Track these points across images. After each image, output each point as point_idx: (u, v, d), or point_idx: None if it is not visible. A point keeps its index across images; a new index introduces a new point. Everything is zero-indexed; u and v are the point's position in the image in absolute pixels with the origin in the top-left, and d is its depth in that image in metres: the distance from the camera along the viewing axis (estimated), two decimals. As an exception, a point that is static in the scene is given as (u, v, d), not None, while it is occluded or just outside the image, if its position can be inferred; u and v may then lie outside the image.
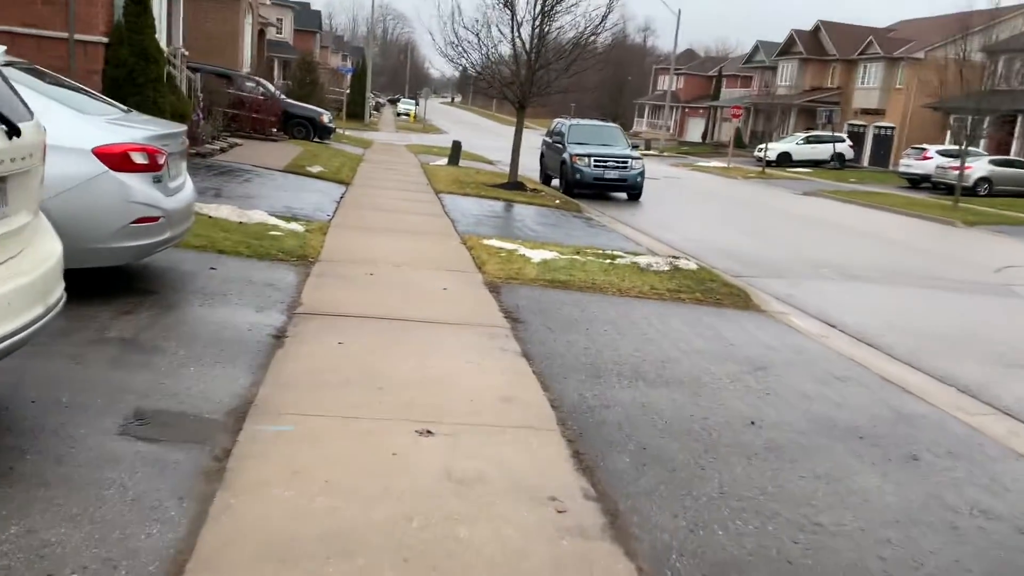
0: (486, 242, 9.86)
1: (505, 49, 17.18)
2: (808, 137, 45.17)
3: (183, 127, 6.29)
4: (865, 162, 46.38)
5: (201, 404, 4.04)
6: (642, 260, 9.42)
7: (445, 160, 23.68)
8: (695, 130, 72.28)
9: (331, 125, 24.73)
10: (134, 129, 5.55)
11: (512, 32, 16.58)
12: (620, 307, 7.32)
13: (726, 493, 3.72)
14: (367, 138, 35.06)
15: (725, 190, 27.32)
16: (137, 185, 5.35)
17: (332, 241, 8.96)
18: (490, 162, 28.68)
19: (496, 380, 4.92)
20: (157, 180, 5.54)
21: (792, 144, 43.91)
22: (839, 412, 5.12)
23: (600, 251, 10.07)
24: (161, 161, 5.52)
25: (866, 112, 47.02)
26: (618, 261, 9.34)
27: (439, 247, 9.58)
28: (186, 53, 20.18)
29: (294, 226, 9.34)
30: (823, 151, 43.91)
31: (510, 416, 4.35)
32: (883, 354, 7.12)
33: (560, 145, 20.10)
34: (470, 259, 8.87)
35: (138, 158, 5.34)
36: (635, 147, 20.64)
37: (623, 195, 19.77)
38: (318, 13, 71.73)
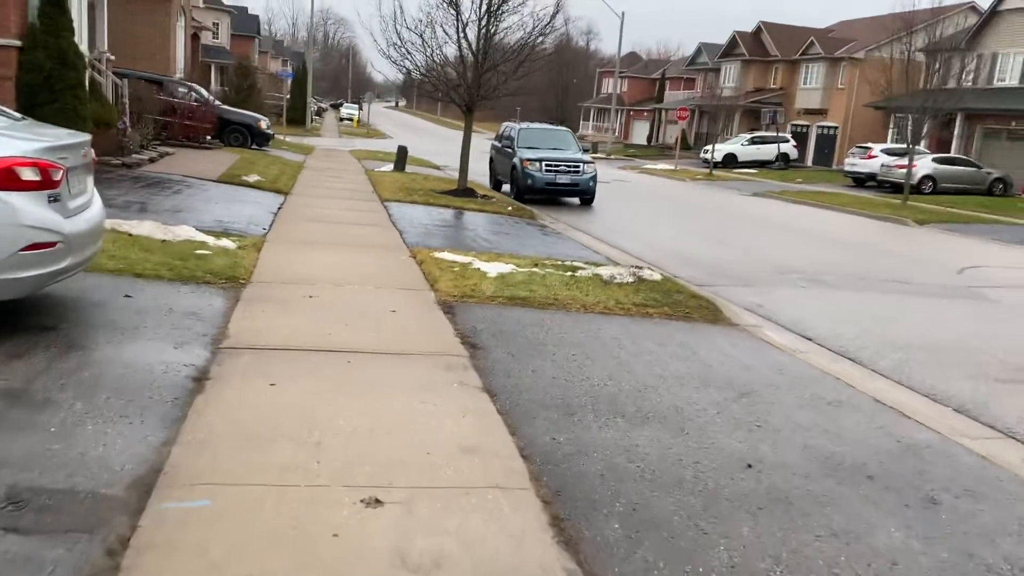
0: (438, 255, 9.18)
1: (451, 51, 16.54)
2: (753, 138, 45.38)
3: (86, 137, 5.49)
4: (809, 161, 46.82)
5: (97, 475, 3.29)
6: (604, 271, 8.84)
7: (391, 166, 22.90)
8: (640, 133, 72.46)
9: (269, 131, 23.73)
10: (23, 141, 4.75)
11: (457, 33, 15.93)
12: (587, 326, 6.71)
13: (737, 567, 3.12)
14: (308, 144, 34.00)
15: (675, 193, 27.04)
16: (27, 206, 4.55)
17: (267, 259, 8.18)
18: (437, 167, 27.95)
19: (456, 425, 4.26)
20: (54, 199, 4.74)
21: (737, 145, 44.05)
22: (839, 446, 4.58)
23: (559, 262, 9.46)
24: (57, 177, 4.73)
25: (809, 112, 47.48)
26: (579, 273, 8.74)
27: (386, 262, 8.86)
28: (111, 58, 19.05)
29: (225, 243, 8.53)
30: (768, 152, 44.15)
31: (474, 472, 3.69)
32: (867, 370, 6.65)
33: (510, 150, 19.49)
34: (421, 275, 8.18)
35: (27, 174, 4.54)
36: (586, 151, 20.12)
37: (575, 200, 19.25)
38: (256, 18, 70.08)
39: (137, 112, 19.01)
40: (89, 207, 5.33)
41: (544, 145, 19.41)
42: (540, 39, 15.60)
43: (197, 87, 22.55)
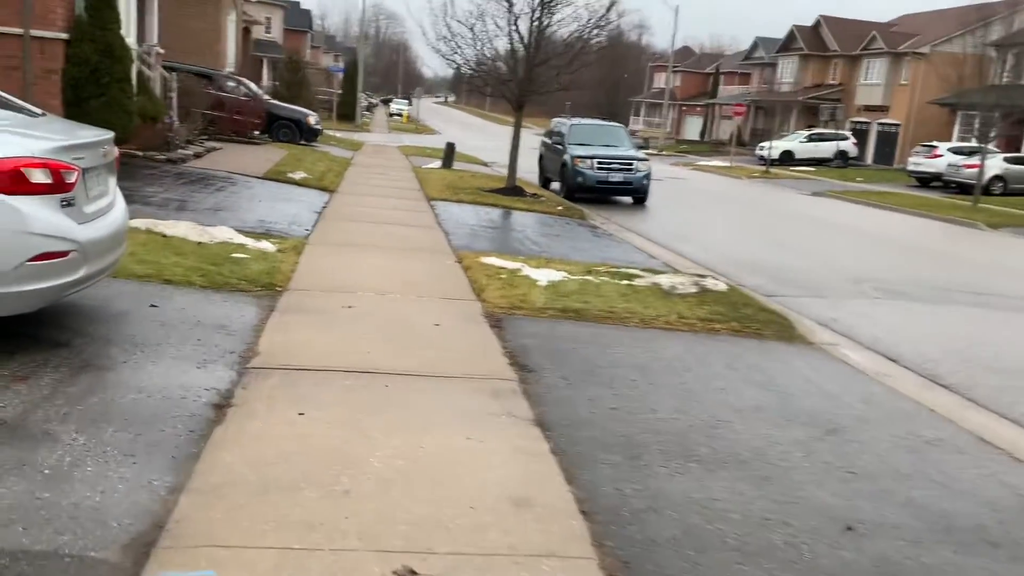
0: (484, 260, 8.65)
1: (501, 44, 16.00)
2: (811, 135, 44.07)
3: (107, 134, 5.06)
4: (869, 160, 45.27)
5: (88, 532, 2.83)
6: (664, 280, 8.22)
7: (438, 163, 22.47)
8: (692, 128, 71.16)
9: (318, 127, 23.49)
10: (34, 139, 4.33)
11: (508, 25, 15.39)
12: (647, 344, 6.12)
13: (854, 678, 2.52)
14: (358, 140, 33.82)
15: (732, 191, 26.15)
16: (37, 212, 4.13)
17: (307, 263, 7.74)
18: (485, 164, 27.48)
19: (505, 468, 3.72)
20: (67, 204, 4.32)
21: (795, 142, 42.80)
22: (950, 500, 3.93)
23: (614, 269, 8.86)
24: (71, 179, 4.31)
25: (869, 109, 45.91)
26: (637, 282, 8.14)
27: (431, 267, 8.36)
28: (161, 51, 18.93)
29: (264, 245, 8.12)
30: (826, 149, 42.80)
31: (526, 533, 3.15)
32: (963, 399, 5.94)
33: (560, 146, 18.90)
34: (467, 282, 7.66)
35: (37, 176, 4.12)
36: (640, 147, 19.41)
37: (627, 199, 18.59)
38: (308, 12, 70.46)
39: (186, 106, 18.86)
40: (110, 211, 4.91)
41: (596, 142, 18.78)
42: (595, 32, 14.97)
43: (246, 81, 22.40)
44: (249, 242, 8.15)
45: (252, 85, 22.26)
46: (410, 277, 7.70)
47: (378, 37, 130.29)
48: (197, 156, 15.24)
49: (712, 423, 4.61)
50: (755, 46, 59.15)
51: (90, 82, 13.24)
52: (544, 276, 7.99)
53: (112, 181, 5.09)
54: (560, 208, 15.02)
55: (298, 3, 66.86)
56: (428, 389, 4.65)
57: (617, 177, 17.72)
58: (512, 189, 16.12)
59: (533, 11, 15.26)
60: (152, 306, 5.56)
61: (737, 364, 5.87)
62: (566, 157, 18.23)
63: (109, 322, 5.11)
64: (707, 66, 74.28)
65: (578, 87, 16.77)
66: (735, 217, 18.34)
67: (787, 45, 51.96)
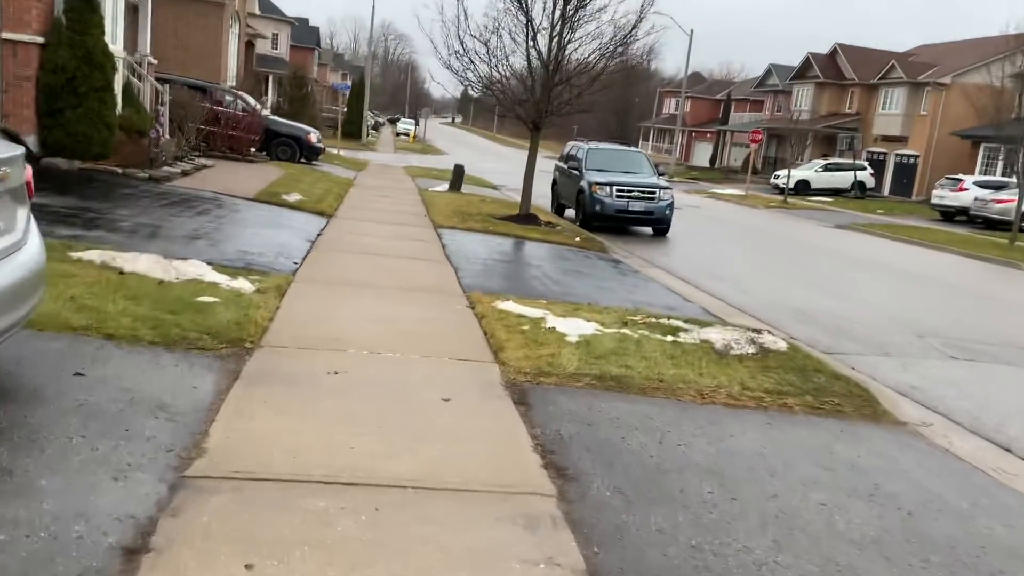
0: (501, 304, 7.37)
1: (518, 61, 14.82)
2: (827, 164, 42.93)
3: (16, 150, 3.80)
4: (885, 191, 44.08)
5: None
6: (714, 336, 6.92)
7: (446, 185, 21.29)
8: (702, 154, 70.16)
9: (320, 145, 22.33)
10: None
11: (527, 41, 14.21)
12: (714, 430, 4.82)
13: None
14: (362, 159, 32.73)
15: (752, 222, 24.92)
16: None
17: (290, 309, 6.46)
18: (493, 187, 26.32)
19: None
20: (-66, 246, 3.05)
21: (811, 172, 41.63)
22: None
23: (652, 318, 7.56)
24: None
25: (887, 139, 44.79)
26: (683, 337, 6.85)
27: (439, 313, 7.08)
28: (153, 61, 17.81)
29: (241, 284, 6.85)
30: (843, 179, 41.65)
31: None
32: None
33: (577, 172, 17.68)
34: (481, 336, 6.37)
35: None
36: (662, 174, 18.21)
37: (647, 229, 17.35)
38: (316, 30, 69.64)
39: (178, 120, 17.72)
40: (14, 252, 3.64)
41: (614, 168, 17.57)
42: (620, 49, 13.78)
43: (244, 95, 21.27)
44: (223, 280, 6.88)
45: (250, 99, 21.12)
46: (413, 327, 6.41)
47: (386, 56, 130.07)
48: (185, 174, 14.03)
49: (825, 563, 3.30)
50: (768, 73, 58.20)
51: (66, 91, 12.09)
52: (573, 328, 6.71)
53: (20, 214, 3.82)
54: (578, 239, 13.76)
55: (306, 20, 66.12)
56: (435, 514, 3.34)
57: (638, 206, 16.48)
58: (526, 217, 14.88)
59: (553, 26, 14.09)
60: (77, 374, 4.27)
61: (831, 462, 4.56)
62: (583, 183, 17.01)
63: (6, 402, 3.82)
64: (717, 93, 73.45)
65: (585, 109, 15.48)
66: (763, 251, 17.08)
67: (802, 72, 50.96)
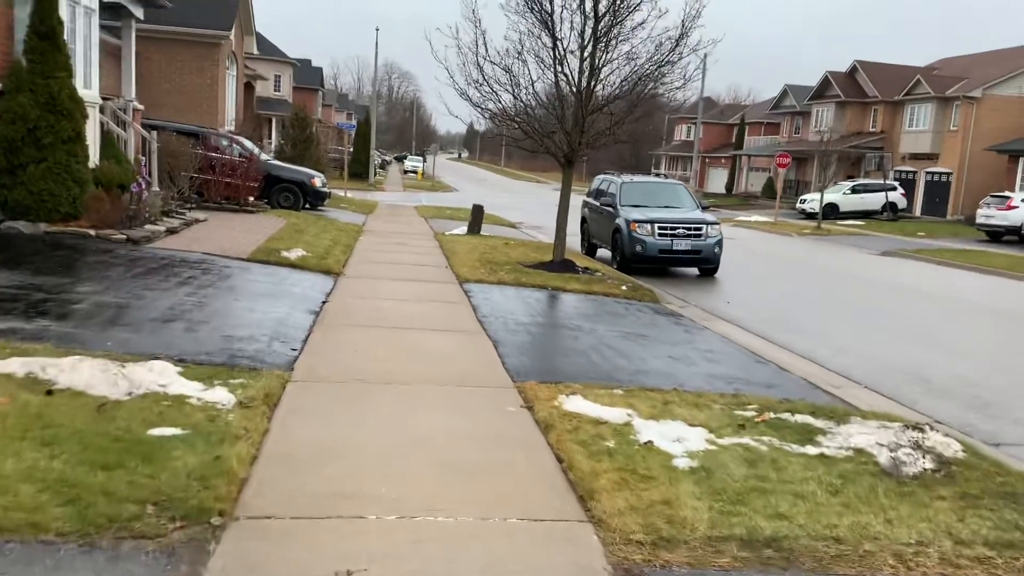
0: (567, 403, 5.50)
1: (544, 88, 13.08)
2: (855, 186, 41.09)
3: None
4: (917, 211, 42.11)
5: None
6: (866, 441, 5.04)
7: (463, 227, 19.52)
8: (716, 180, 68.47)
9: (325, 190, 20.64)
10: None
11: (554, 65, 12.48)
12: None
13: None
14: (371, 200, 31.09)
15: (792, 252, 23.02)
16: None
17: (283, 435, 4.62)
18: (512, 225, 24.58)
19: None
20: None
21: (839, 194, 39.76)
22: None
23: (770, 412, 5.66)
24: None
25: (916, 157, 42.89)
26: (828, 447, 4.96)
27: (487, 423, 5.21)
28: (140, 107, 16.22)
29: (218, 395, 5.02)
30: (873, 201, 39.77)
31: None
32: None
33: (611, 208, 15.88)
34: (555, 466, 4.49)
35: None
36: (705, 207, 16.38)
37: (692, 269, 15.51)
38: (320, 70, 68.67)
39: (169, 170, 16.07)
40: None
41: (653, 202, 15.78)
42: (664, 69, 12.00)
43: (241, 140, 19.63)
44: (194, 391, 5.05)
45: (248, 143, 19.47)
46: (457, 454, 4.54)
47: (391, 95, 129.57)
48: (171, 232, 12.28)
49: None
50: (784, 94, 56.59)
51: (28, 143, 10.44)
52: (675, 439, 4.84)
53: None
54: (624, 288, 11.89)
55: (309, 61, 65.15)
56: None
57: (683, 245, 14.63)
58: (561, 264, 13.04)
59: (584, 47, 12.36)
60: None
61: None
62: (619, 221, 15.19)
63: None
64: (730, 117, 71.98)
65: (631, 140, 13.78)
66: (825, 290, 15.16)
67: (821, 92, 49.26)
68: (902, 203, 40.43)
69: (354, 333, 7.48)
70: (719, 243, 14.90)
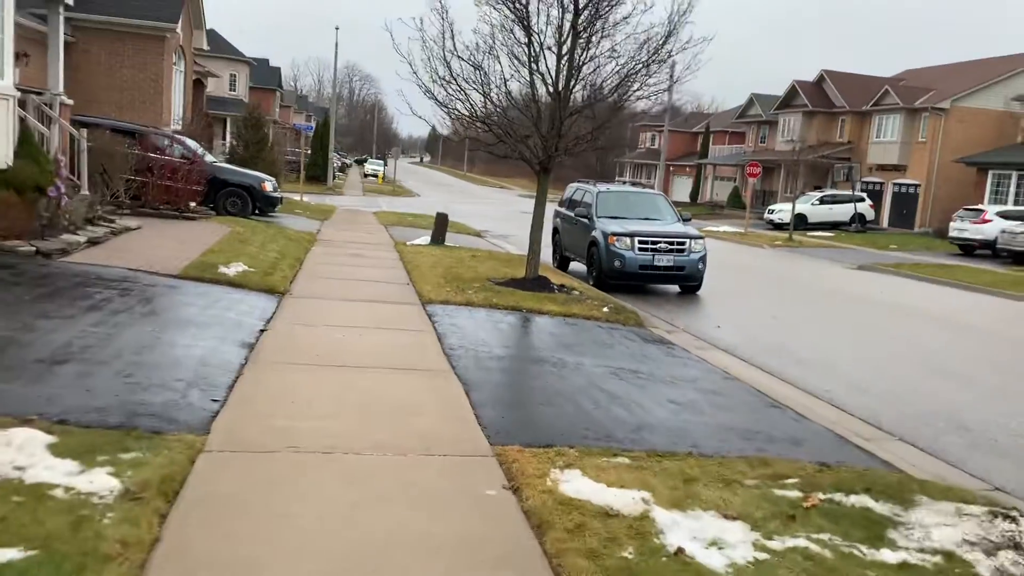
0: (564, 483, 4.27)
1: (518, 88, 11.86)
2: (823, 197, 40.58)
3: None
4: (884, 223, 41.75)
5: None
6: (951, 539, 3.89)
7: (426, 236, 18.22)
8: (681, 189, 67.89)
9: (276, 195, 19.15)
10: None
11: (529, 63, 11.26)
12: None
13: None
14: (328, 205, 29.63)
15: (769, 267, 22.10)
16: None
17: (174, 554, 3.31)
18: (477, 234, 23.34)
19: None
20: None
21: (807, 205, 39.18)
22: None
23: (817, 492, 4.48)
24: None
25: (883, 168, 42.56)
26: (907, 549, 3.80)
27: (456, 522, 3.93)
28: (68, 102, 14.64)
29: (96, 482, 3.70)
30: (842, 212, 39.31)
31: None
32: None
33: (586, 219, 14.71)
34: (557, 593, 3.25)
35: None
36: (687, 220, 15.30)
37: (672, 286, 14.41)
38: (278, 70, 66.67)
39: (102, 172, 14.53)
40: None
41: (631, 214, 14.65)
42: (651, 69, 10.85)
43: (185, 140, 18.09)
44: (63, 474, 3.73)
45: (191, 143, 17.93)
46: None
47: (352, 97, 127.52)
48: (93, 243, 10.80)
49: None
50: (750, 103, 56.18)
51: (-83, 139, 8.86)
52: (713, 546, 3.66)
53: None
54: (606, 310, 10.70)
55: (267, 61, 63.22)
56: None
57: (665, 260, 13.50)
58: (535, 281, 11.82)
59: (561, 43, 11.18)
60: None
61: None
62: (596, 234, 14.02)
63: None
64: (694, 125, 71.54)
65: (611, 146, 12.64)
66: (816, 310, 14.14)
67: (788, 101, 48.83)
68: (871, 215, 40.04)
69: (293, 375, 6.15)
70: (703, 259, 13.80)
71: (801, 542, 3.78)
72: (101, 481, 3.75)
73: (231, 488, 3.95)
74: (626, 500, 4.07)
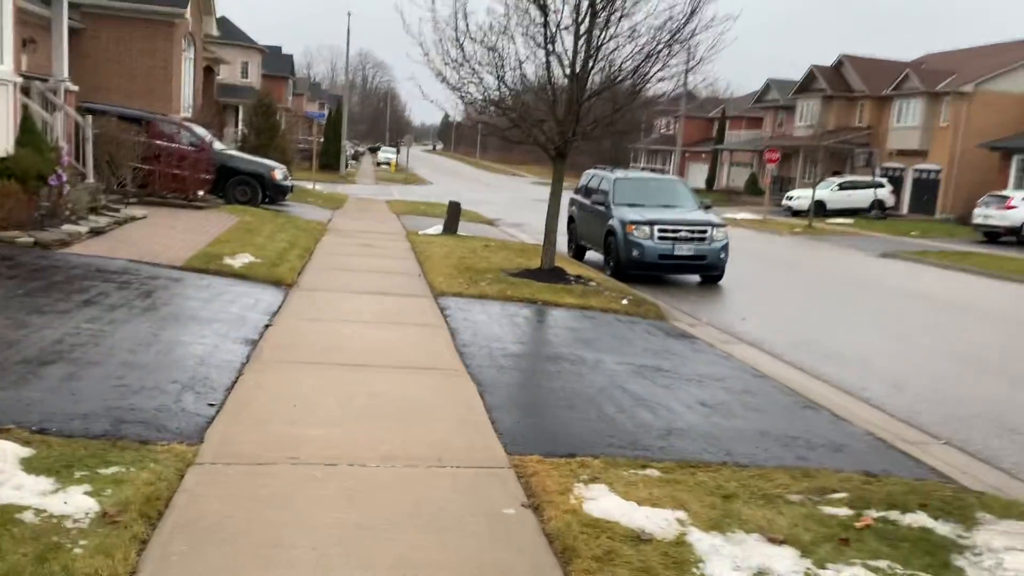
0: (588, 502, 3.87)
1: (533, 70, 11.39)
2: (842, 183, 39.87)
3: None
4: (904, 209, 40.97)
5: None
6: (1020, 567, 3.45)
7: (438, 225, 17.82)
8: (697, 175, 67.08)
9: (287, 183, 18.77)
10: None
11: (545, 44, 10.79)
12: None
13: None
14: (340, 193, 29.27)
15: (792, 255, 21.57)
16: None
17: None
18: (490, 222, 22.93)
19: None
20: None
21: (826, 191, 38.46)
22: None
23: (870, 511, 4.06)
24: None
25: (903, 153, 41.73)
26: (982, 585, 3.37)
27: (473, 548, 3.54)
28: (73, 88, 14.29)
29: (71, 502, 3.34)
30: (861, 198, 38.61)
31: None
32: None
33: (602, 207, 14.26)
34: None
35: None
36: (707, 207, 14.81)
37: (693, 276, 13.94)
38: (290, 58, 66.25)
39: (108, 160, 14.21)
40: None
41: (650, 201, 14.17)
42: (672, 49, 10.36)
43: (193, 126, 17.73)
44: (34, 493, 3.38)
45: (200, 130, 17.58)
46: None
47: (365, 85, 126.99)
48: (95, 233, 10.46)
49: None
50: (767, 88, 55.32)
51: (-91, 126, 8.53)
52: (760, 572, 3.20)
53: None
54: (625, 302, 10.28)
55: (279, 48, 62.80)
56: None
57: (686, 249, 13.05)
58: (551, 272, 11.40)
59: (579, 22, 10.70)
60: None
61: None
62: (613, 222, 13.57)
63: None
64: (710, 110, 70.62)
65: (630, 130, 12.17)
66: (843, 301, 13.64)
67: (806, 86, 47.99)
68: (890, 201, 39.31)
69: (297, 374, 5.77)
70: (725, 248, 13.33)
71: (859, 572, 3.37)
72: (77, 502, 3.38)
73: (221, 509, 3.56)
74: (659, 521, 3.66)
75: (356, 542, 3.38)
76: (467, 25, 10.79)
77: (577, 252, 16.06)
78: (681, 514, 3.77)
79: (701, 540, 3.53)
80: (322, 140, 46.52)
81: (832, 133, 44.88)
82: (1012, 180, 34.88)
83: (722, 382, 6.89)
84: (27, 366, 5.13)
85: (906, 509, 4.09)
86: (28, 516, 3.23)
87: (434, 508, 3.78)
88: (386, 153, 72.64)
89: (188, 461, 4.01)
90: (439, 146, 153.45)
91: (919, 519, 3.98)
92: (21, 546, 2.99)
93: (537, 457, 4.48)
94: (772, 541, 3.59)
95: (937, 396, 7.38)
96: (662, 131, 74.63)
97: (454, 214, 17.12)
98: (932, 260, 21.31)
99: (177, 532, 3.32)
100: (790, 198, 39.49)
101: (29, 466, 3.64)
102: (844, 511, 4.03)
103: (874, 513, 4.01)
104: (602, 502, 3.83)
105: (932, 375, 8.26)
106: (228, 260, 9.72)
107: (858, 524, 3.86)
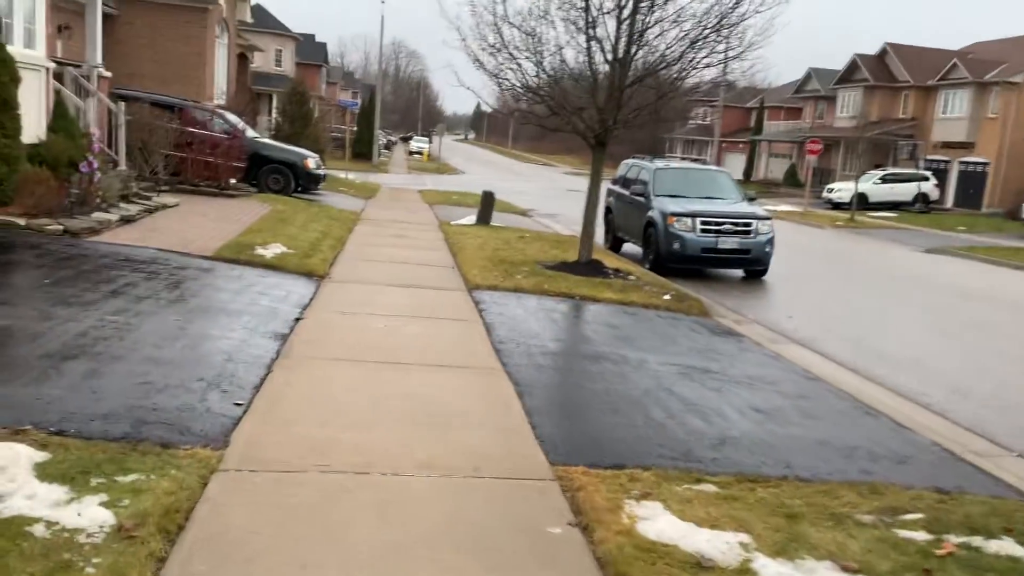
0: (641, 523, 3.55)
1: (572, 56, 11.03)
2: (885, 175, 38.85)
3: None
4: (949, 203, 39.88)
5: None
6: None
7: (472, 215, 17.54)
8: (734, 166, 65.88)
9: (320, 172, 18.58)
10: None
11: (587, 29, 10.42)
12: None
13: None
14: (373, 183, 29.06)
15: (835, 249, 20.97)
16: None
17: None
18: (523, 212, 22.55)
19: None
20: None
21: (868, 184, 37.50)
22: None
23: (944, 525, 3.70)
24: None
25: (949, 145, 40.61)
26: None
27: (517, 572, 3.25)
28: (107, 74, 14.21)
29: (85, 514, 3.10)
30: (904, 192, 37.61)
31: None
32: None
33: (642, 198, 13.86)
34: None
35: None
36: (752, 199, 14.35)
37: (736, 271, 13.51)
38: (324, 46, 66.38)
39: (141, 147, 14.10)
40: None
41: (692, 192, 13.72)
42: (723, 35, 9.93)
43: (225, 114, 17.60)
44: (46, 504, 3.14)
45: (232, 118, 17.44)
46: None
47: (398, 74, 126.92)
48: (126, 221, 10.31)
49: None
50: (808, 77, 54.18)
51: (-60, 111, 8.42)
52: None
53: None
54: (667, 298, 9.90)
55: (313, 36, 62.86)
56: None
57: (730, 243, 12.62)
58: (588, 265, 11.06)
59: (622, 6, 10.30)
60: None
61: None
62: (653, 214, 13.17)
63: None
64: (747, 100, 69.42)
65: (673, 119, 11.78)
66: (892, 298, 13.12)
67: (848, 76, 46.89)
68: (934, 194, 38.25)
69: (328, 371, 5.51)
70: (771, 241, 12.88)
71: (948, 611, 3.02)
72: (91, 514, 3.13)
73: (245, 523, 3.30)
74: (721, 545, 3.34)
75: (388, 564, 3.10)
76: (505, 9, 10.48)
77: (614, 244, 15.68)
78: (744, 537, 3.44)
79: (767, 567, 3.20)
80: (355, 129, 46.41)
81: (874, 124, 43.85)
82: (1063, 173, 33.75)
83: (774, 385, 6.52)
84: (49, 360, 4.92)
85: (990, 534, 3.72)
86: (39, 529, 2.99)
87: (472, 525, 3.49)
88: (418, 142, 72.48)
89: (212, 467, 3.76)
90: (471, 135, 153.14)
91: (1005, 546, 3.61)
92: (29, 564, 2.75)
93: (582, 468, 4.17)
94: (846, 570, 3.25)
95: (1002, 403, 6.95)
96: (699, 121, 73.60)
97: (487, 204, 16.82)
98: (981, 256, 20.58)
99: (197, 549, 3.06)
100: (831, 190, 38.62)
101: (43, 472, 3.41)
102: (921, 535, 3.67)
103: (955, 538, 3.65)
104: (657, 522, 3.51)
105: (995, 379, 7.81)
106: (259, 250, 9.52)
107: (939, 552, 3.51)
